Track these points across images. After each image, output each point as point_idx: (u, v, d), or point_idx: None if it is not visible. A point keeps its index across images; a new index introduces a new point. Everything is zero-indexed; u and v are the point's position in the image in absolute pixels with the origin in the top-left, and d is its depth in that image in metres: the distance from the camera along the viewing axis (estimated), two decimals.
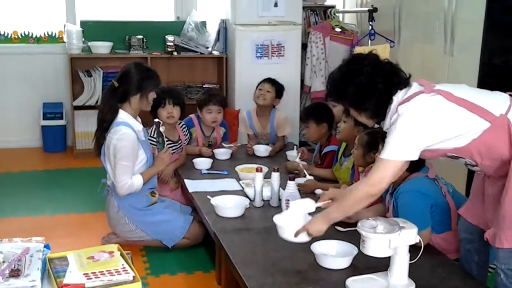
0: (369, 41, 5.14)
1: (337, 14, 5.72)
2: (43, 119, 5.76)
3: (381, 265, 2.32)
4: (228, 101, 5.59)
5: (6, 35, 5.84)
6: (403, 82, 2.31)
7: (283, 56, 5.46)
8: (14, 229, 3.90)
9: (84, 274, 1.81)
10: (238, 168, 3.85)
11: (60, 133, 5.83)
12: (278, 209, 3.10)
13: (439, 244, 2.71)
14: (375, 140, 2.93)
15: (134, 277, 1.84)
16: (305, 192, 3.34)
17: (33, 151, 5.88)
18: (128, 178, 3.38)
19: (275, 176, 3.24)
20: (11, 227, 3.98)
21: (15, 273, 1.79)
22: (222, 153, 4.23)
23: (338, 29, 5.62)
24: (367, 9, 5.26)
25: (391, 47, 4.86)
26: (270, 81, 4.55)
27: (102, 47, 5.63)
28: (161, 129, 3.73)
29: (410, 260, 2.26)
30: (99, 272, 1.82)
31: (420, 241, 2.25)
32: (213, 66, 6.04)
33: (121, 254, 1.96)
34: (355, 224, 2.34)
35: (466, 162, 2.31)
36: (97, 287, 1.76)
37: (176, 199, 3.90)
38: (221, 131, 4.50)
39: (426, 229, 2.61)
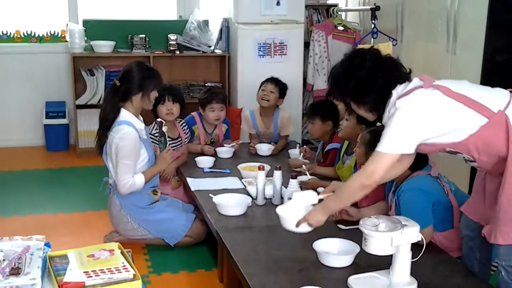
0: (372, 39, 5.13)
1: (339, 13, 5.71)
2: (46, 118, 5.77)
3: (383, 263, 2.31)
4: (230, 100, 5.61)
5: (8, 34, 5.85)
6: (404, 76, 2.33)
7: (285, 54, 5.45)
8: (16, 228, 3.90)
9: (84, 272, 1.81)
10: (240, 167, 3.85)
11: (62, 132, 5.84)
12: None
13: (441, 242, 2.70)
14: (378, 138, 2.91)
15: (134, 275, 1.84)
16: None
17: (36, 150, 5.88)
18: (130, 177, 3.38)
19: (277, 174, 3.23)
20: (13, 225, 3.98)
21: (15, 271, 1.79)
22: (225, 152, 4.23)
23: (340, 28, 5.61)
24: (369, 7, 5.25)
25: (393, 45, 4.85)
26: (273, 81, 4.52)
27: (104, 46, 5.63)
28: (164, 128, 3.74)
29: (412, 258, 2.25)
30: (99, 270, 1.82)
31: (422, 239, 2.24)
32: (215, 65, 6.04)
33: (122, 252, 1.96)
34: (357, 222, 2.33)
35: (464, 157, 2.31)
36: (97, 285, 1.77)
37: (178, 197, 3.90)
38: (223, 128, 4.49)
39: (428, 227, 2.60)
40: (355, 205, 3.04)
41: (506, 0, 3.90)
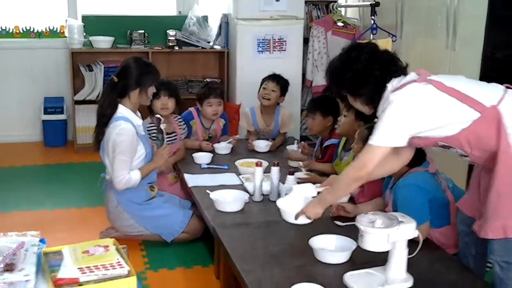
0: (371, 35, 5.12)
1: (339, 9, 5.70)
2: (44, 113, 5.76)
3: (380, 259, 2.31)
4: (229, 96, 5.60)
5: (7, 30, 5.83)
6: (400, 70, 2.37)
7: (284, 50, 5.44)
8: (14, 223, 3.90)
9: (78, 268, 1.80)
10: (238, 163, 3.84)
11: (60, 127, 5.83)
12: None
13: (437, 238, 2.69)
14: None
15: (129, 271, 1.82)
16: None
17: (34, 146, 5.87)
18: (126, 173, 3.38)
19: (275, 170, 3.22)
20: (12, 221, 3.98)
21: (9, 267, 1.78)
22: (223, 148, 4.22)
23: (340, 24, 5.60)
24: (369, 3, 5.23)
25: (393, 41, 4.84)
26: (274, 78, 4.48)
27: (103, 42, 5.61)
28: (162, 126, 3.73)
29: (409, 255, 2.25)
30: (93, 266, 1.82)
31: (418, 235, 2.24)
32: (214, 60, 6.02)
33: (117, 249, 1.95)
34: (354, 219, 2.33)
35: (457, 152, 2.32)
36: (91, 282, 1.76)
37: (176, 194, 3.89)
38: (221, 123, 4.48)
39: (424, 223, 2.60)
40: (352, 201, 3.04)
41: None
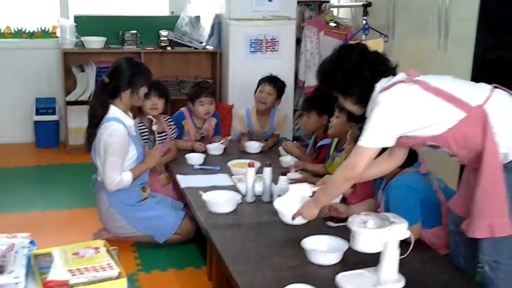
0: (363, 35, 5.11)
1: (331, 9, 5.70)
2: (36, 114, 5.72)
3: (371, 260, 2.30)
4: (221, 96, 5.59)
5: None
6: (389, 70, 2.41)
7: (277, 51, 5.43)
8: (6, 225, 3.86)
9: (68, 270, 1.79)
10: (230, 164, 3.83)
11: (52, 128, 5.80)
12: (270, 204, 3.07)
13: (429, 239, 2.70)
14: None
15: (119, 273, 1.81)
16: None
17: (26, 147, 5.84)
18: (118, 175, 3.36)
19: (267, 171, 3.22)
20: (3, 223, 3.94)
21: None
22: (215, 148, 4.21)
23: (332, 24, 5.59)
24: (361, 3, 5.23)
25: (385, 41, 4.84)
26: (271, 81, 4.46)
27: (95, 42, 5.59)
28: (154, 127, 3.73)
29: (400, 255, 2.24)
30: (83, 268, 1.80)
31: (410, 236, 2.24)
32: (207, 61, 6.01)
33: (107, 250, 1.94)
34: (346, 219, 2.33)
35: (446, 151, 2.33)
36: (81, 284, 1.75)
37: (168, 195, 3.88)
38: (213, 122, 4.47)
39: (416, 224, 2.60)
40: (345, 202, 3.04)
41: None
